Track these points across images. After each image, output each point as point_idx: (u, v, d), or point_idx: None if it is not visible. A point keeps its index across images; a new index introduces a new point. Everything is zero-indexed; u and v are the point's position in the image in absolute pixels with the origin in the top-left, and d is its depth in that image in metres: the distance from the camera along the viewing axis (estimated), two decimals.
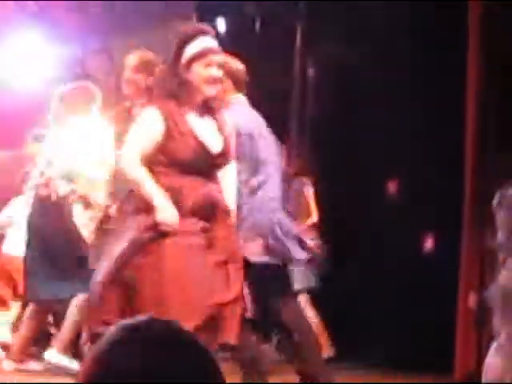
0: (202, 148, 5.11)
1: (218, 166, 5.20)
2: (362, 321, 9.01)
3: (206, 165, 5.13)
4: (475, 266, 7.39)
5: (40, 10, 11.31)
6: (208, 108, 5.22)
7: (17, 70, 10.95)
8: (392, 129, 9.16)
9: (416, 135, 9.05)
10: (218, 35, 5.47)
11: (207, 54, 5.14)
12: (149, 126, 5.14)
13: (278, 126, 6.32)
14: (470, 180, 7.79)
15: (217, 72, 5.15)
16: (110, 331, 1.60)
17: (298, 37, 9.80)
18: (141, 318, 1.64)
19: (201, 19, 10.19)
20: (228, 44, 9.83)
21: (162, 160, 5.12)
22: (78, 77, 7.84)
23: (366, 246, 9.37)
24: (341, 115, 9.85)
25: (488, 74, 7.96)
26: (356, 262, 9.36)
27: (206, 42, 5.18)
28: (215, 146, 5.17)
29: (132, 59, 6.71)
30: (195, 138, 5.12)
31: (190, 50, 5.14)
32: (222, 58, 5.25)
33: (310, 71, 10.30)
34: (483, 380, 1.04)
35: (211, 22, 10.16)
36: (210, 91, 5.16)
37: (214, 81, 5.15)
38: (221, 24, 10.19)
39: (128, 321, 1.63)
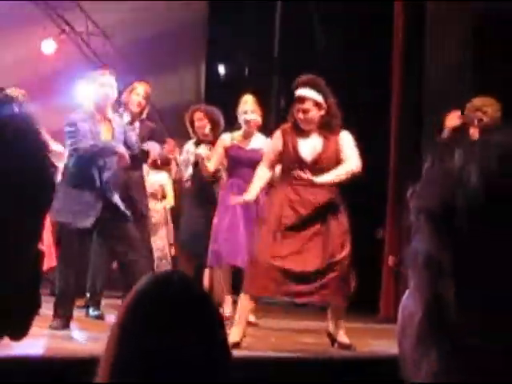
0: (297, 158, 5.13)
1: (313, 170, 5.12)
2: None
3: (301, 169, 5.13)
4: (396, 237, 7.36)
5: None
6: (318, 130, 5.20)
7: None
8: None
9: None
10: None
11: (296, 102, 5.19)
12: (274, 141, 5.34)
13: None
14: (393, 172, 7.69)
15: (303, 115, 5.17)
16: (140, 283, 1.57)
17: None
18: (164, 272, 1.62)
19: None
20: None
21: (283, 164, 5.30)
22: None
23: None
24: None
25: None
26: None
27: (298, 92, 5.19)
28: (309, 157, 5.14)
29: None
30: (295, 151, 5.15)
31: (295, 95, 5.22)
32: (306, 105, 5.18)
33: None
34: (399, 317, 1.02)
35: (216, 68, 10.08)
36: (304, 126, 5.19)
37: (303, 120, 5.16)
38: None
39: (154, 275, 1.61)
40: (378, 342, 5.37)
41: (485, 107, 5.80)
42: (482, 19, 7.68)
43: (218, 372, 1.50)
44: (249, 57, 9.62)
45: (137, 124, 6.54)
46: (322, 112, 5.16)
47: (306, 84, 5.17)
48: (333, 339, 5.18)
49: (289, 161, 5.19)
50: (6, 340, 0.77)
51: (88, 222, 5.47)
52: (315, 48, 8.91)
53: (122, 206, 5.64)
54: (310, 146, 5.17)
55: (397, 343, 0.79)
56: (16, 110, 0.67)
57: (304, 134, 5.19)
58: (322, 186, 5.12)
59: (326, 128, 5.17)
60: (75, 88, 11.10)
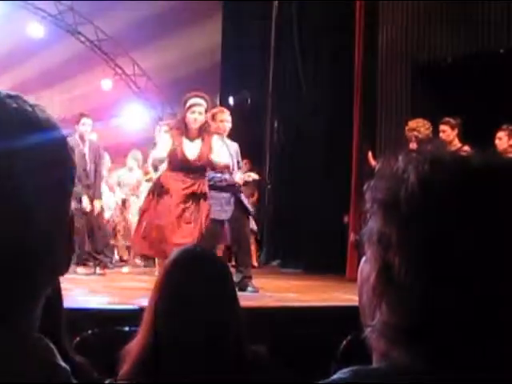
0: (183, 155, 5.05)
1: (195, 167, 5.05)
2: (292, 239, 8.29)
3: (185, 165, 5.03)
4: (357, 220, 7.28)
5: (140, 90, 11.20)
6: (199, 134, 5.11)
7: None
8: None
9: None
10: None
11: (191, 106, 5.09)
12: (164, 141, 5.23)
13: None
14: (355, 173, 7.43)
15: (197, 116, 5.09)
16: (175, 252, 1.58)
17: None
18: (188, 246, 1.63)
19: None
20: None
21: (169, 160, 5.15)
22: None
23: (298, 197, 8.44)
24: None
25: None
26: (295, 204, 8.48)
27: (193, 100, 5.12)
28: (192, 155, 5.06)
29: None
30: (181, 151, 5.06)
31: (187, 104, 5.11)
32: (199, 108, 5.12)
33: None
34: (358, 277, 1.01)
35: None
36: (193, 126, 5.10)
37: (195, 121, 5.09)
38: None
39: (185, 247, 1.62)
40: (344, 295, 5.37)
41: (418, 127, 5.91)
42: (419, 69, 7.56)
43: (229, 311, 1.51)
44: (250, 91, 9.67)
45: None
46: (205, 119, 5.14)
47: (200, 96, 5.17)
48: None
49: (175, 158, 5.09)
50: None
51: (225, 215, 5.39)
52: (300, 87, 8.92)
53: (246, 202, 5.65)
54: (192, 147, 5.10)
55: (357, 296, 0.79)
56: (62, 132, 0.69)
57: (189, 136, 5.10)
58: (196, 178, 5.03)
59: (204, 132, 5.12)
60: (126, 113, 11.11)
